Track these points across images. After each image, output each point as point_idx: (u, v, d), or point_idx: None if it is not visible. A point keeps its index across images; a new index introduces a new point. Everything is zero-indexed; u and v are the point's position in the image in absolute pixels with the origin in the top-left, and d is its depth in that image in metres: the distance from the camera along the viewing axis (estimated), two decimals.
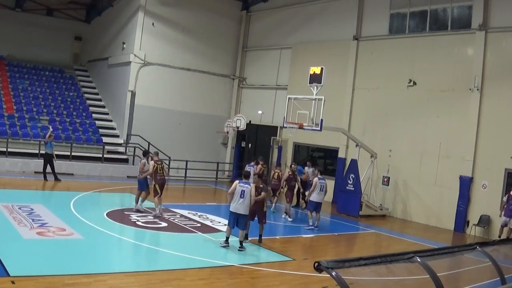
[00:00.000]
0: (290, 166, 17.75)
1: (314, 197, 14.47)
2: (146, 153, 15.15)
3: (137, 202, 14.42)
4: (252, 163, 18.33)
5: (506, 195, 14.93)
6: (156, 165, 13.95)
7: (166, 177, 14.51)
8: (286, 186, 16.62)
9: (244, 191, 10.82)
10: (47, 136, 18.83)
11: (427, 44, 18.74)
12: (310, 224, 14.54)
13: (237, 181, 11.10)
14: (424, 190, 18.14)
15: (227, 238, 11.12)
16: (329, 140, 21.06)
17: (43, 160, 18.64)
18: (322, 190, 14.50)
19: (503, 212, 14.77)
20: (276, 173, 17.19)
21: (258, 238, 11.92)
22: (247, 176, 11.49)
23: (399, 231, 16.17)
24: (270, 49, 25.70)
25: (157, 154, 14.61)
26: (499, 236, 14.63)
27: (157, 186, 13.95)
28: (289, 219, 15.90)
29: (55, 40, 28.70)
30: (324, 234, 13.98)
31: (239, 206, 10.86)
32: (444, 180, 17.60)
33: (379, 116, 19.99)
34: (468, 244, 7.26)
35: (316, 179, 14.53)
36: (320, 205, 14.63)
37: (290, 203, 16.34)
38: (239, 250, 10.96)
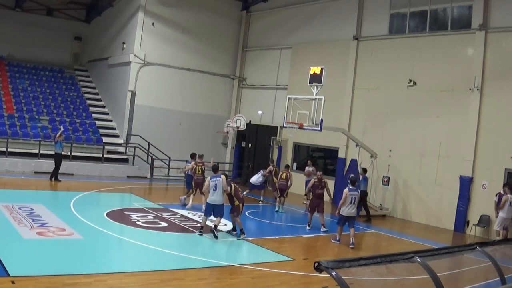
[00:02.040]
0: (316, 172, 16.30)
1: (344, 210, 12.55)
2: (194, 156, 16.35)
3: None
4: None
5: (497, 195, 14.88)
6: (196, 166, 15.68)
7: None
8: (312, 195, 14.87)
9: (216, 184, 11.99)
10: (57, 135, 18.83)
11: (427, 44, 18.73)
12: (337, 238, 12.86)
13: (208, 178, 12.33)
14: (424, 190, 18.14)
15: (203, 227, 12.20)
16: (329, 140, 21.06)
17: (54, 161, 18.59)
18: (353, 202, 12.56)
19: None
20: (284, 174, 17.40)
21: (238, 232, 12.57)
22: (215, 169, 12.69)
23: (399, 231, 16.17)
24: (270, 49, 25.69)
25: (201, 156, 16.14)
26: (498, 236, 14.64)
27: (193, 184, 15.69)
28: (324, 229, 14.29)
29: (55, 40, 28.70)
30: (324, 234, 13.97)
31: (214, 197, 12.02)
32: (444, 180, 17.60)
33: (379, 116, 19.99)
34: (468, 244, 7.27)
35: (346, 190, 12.63)
36: (352, 219, 12.70)
37: (321, 212, 14.56)
38: (214, 235, 11.80)
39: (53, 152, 18.90)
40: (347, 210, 12.48)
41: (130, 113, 23.90)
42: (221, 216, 12.22)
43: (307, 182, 19.85)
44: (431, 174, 17.99)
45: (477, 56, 17.00)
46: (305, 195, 14.88)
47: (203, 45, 25.72)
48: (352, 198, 12.49)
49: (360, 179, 17.15)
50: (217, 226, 12.07)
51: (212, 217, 12.38)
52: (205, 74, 26.01)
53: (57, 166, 18.53)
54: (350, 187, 12.66)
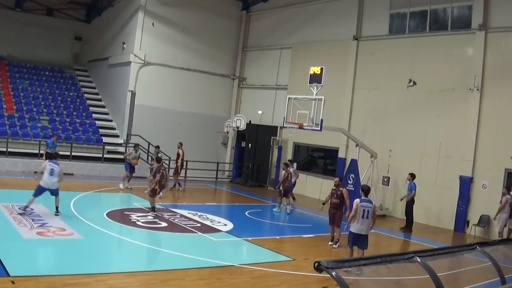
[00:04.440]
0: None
1: (354, 226, 10.42)
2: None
3: None
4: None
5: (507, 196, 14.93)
6: (287, 174, 16.92)
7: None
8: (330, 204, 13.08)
9: (53, 169, 12.49)
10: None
11: (427, 44, 18.73)
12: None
13: (47, 161, 12.85)
14: (424, 190, 18.10)
15: (26, 207, 12.33)
16: (329, 140, 21.05)
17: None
18: (366, 217, 10.28)
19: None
20: (288, 174, 17.05)
21: None
22: (55, 156, 13.17)
23: (399, 231, 16.17)
24: (270, 49, 25.69)
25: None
26: (501, 237, 14.65)
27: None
28: (334, 246, 12.77)
29: (55, 40, 28.70)
30: (324, 234, 13.95)
31: (48, 180, 12.40)
32: (444, 180, 17.60)
33: (379, 116, 19.99)
34: (468, 244, 7.28)
35: (357, 200, 10.43)
36: (363, 238, 10.45)
37: (336, 226, 12.90)
38: (55, 214, 12.42)
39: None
40: (358, 226, 10.33)
41: (130, 113, 23.90)
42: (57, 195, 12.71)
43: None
44: (431, 174, 17.98)
45: (477, 56, 17.00)
46: (323, 203, 13.31)
47: (203, 45, 25.72)
48: (364, 211, 10.27)
49: (408, 184, 16.61)
50: (58, 207, 12.62)
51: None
52: (205, 74, 26.01)
53: None
54: (362, 198, 10.51)
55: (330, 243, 12.94)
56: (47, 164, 12.55)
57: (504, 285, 6.38)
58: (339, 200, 12.75)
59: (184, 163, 21.13)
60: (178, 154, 20.03)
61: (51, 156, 13.12)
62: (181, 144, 20.20)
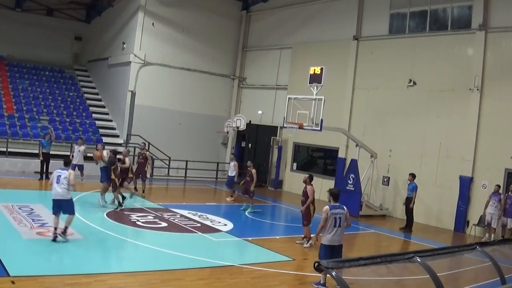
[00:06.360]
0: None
1: (325, 237, 8.79)
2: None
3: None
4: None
5: (505, 195, 15.00)
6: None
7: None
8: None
9: (60, 175, 10.22)
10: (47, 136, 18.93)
11: (427, 44, 18.74)
12: (321, 281, 8.67)
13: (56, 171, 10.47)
14: (424, 190, 18.10)
15: (56, 228, 10.09)
16: (329, 140, 21.06)
17: (44, 160, 18.68)
18: (338, 225, 8.74)
19: (502, 213, 14.90)
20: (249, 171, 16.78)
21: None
22: (67, 163, 10.72)
23: (399, 231, 16.17)
24: (270, 49, 25.70)
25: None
26: (502, 236, 14.71)
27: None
28: (305, 245, 12.27)
29: (55, 40, 28.69)
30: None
31: (59, 190, 10.15)
32: (444, 180, 17.60)
33: (379, 116, 19.99)
34: (468, 244, 7.29)
35: (326, 208, 8.85)
36: (337, 249, 8.83)
37: (303, 225, 12.58)
38: (61, 236, 10.11)
39: (51, 153, 18.91)
40: (330, 236, 8.72)
41: (130, 113, 23.91)
42: (73, 214, 10.42)
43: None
44: (431, 174, 17.99)
45: (477, 56, 17.00)
46: (302, 211, 12.64)
47: (203, 45, 25.72)
48: (335, 219, 8.71)
49: (408, 184, 16.43)
50: (67, 227, 10.27)
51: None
52: (205, 74, 26.01)
53: (43, 165, 18.64)
54: (332, 204, 8.93)
55: (305, 244, 12.30)
56: (55, 172, 10.39)
57: (504, 285, 6.39)
58: (305, 198, 12.41)
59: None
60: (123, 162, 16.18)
61: (64, 163, 10.76)
62: (128, 151, 16.80)
